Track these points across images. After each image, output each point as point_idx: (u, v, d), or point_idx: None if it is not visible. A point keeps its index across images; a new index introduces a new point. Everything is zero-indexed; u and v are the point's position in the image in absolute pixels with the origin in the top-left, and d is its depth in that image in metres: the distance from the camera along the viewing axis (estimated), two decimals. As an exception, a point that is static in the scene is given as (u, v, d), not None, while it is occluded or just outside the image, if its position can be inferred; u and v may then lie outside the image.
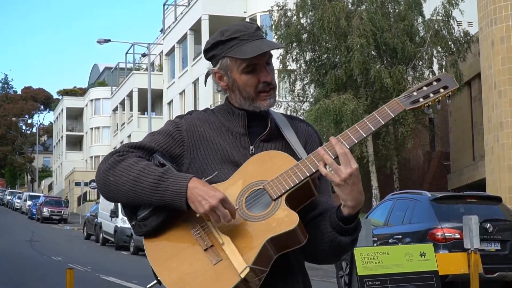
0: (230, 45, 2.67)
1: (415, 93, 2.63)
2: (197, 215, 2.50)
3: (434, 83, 2.65)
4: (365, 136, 2.57)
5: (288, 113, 28.62)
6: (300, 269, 2.70)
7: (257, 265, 2.45)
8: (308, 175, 2.54)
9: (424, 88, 2.64)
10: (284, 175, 2.55)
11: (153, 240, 2.59)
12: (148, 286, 2.56)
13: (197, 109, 2.97)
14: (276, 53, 29.66)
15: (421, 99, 2.62)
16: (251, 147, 2.72)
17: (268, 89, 2.69)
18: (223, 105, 2.81)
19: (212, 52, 2.73)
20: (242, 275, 2.42)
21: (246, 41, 2.66)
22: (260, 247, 2.45)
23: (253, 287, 2.46)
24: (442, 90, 2.63)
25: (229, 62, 2.69)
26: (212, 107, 2.87)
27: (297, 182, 2.54)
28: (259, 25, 36.89)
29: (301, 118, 2.89)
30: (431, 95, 2.62)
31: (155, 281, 2.55)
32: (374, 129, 2.59)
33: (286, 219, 2.48)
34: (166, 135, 2.72)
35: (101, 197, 35.49)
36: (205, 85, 3.13)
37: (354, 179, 2.48)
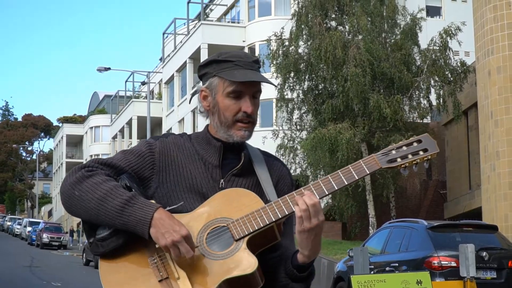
0: (223, 67, 2.64)
1: (393, 152, 2.55)
2: (156, 245, 2.47)
3: (415, 144, 2.56)
4: (336, 189, 2.51)
5: (285, 142, 28.68)
6: None
7: None
8: (273, 220, 2.49)
9: (404, 147, 2.55)
10: (250, 216, 2.49)
11: (109, 262, 2.53)
12: None
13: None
14: (273, 83, 29.71)
15: (398, 159, 2.53)
16: (222, 180, 2.64)
17: (247, 121, 2.63)
18: (201, 132, 2.75)
19: (205, 70, 2.71)
20: None
21: (239, 67, 2.62)
22: (214, 287, 2.41)
23: None
24: (421, 152, 2.54)
25: (217, 82, 2.64)
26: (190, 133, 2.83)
27: (262, 226, 2.48)
28: (257, 54, 36.53)
29: (277, 157, 2.94)
30: (410, 156, 2.54)
31: None
32: (346, 183, 2.52)
33: (244, 262, 2.43)
34: (138, 155, 2.65)
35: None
36: (190, 102, 3.14)
37: (318, 230, 2.46)
